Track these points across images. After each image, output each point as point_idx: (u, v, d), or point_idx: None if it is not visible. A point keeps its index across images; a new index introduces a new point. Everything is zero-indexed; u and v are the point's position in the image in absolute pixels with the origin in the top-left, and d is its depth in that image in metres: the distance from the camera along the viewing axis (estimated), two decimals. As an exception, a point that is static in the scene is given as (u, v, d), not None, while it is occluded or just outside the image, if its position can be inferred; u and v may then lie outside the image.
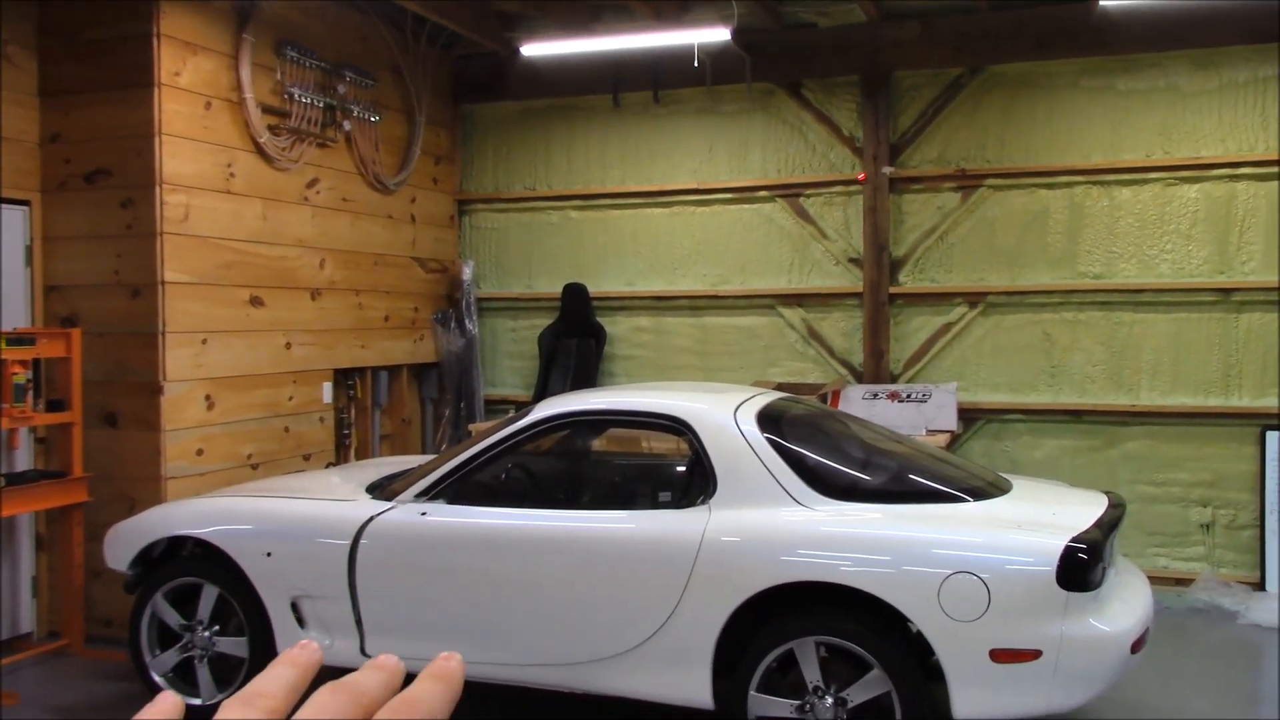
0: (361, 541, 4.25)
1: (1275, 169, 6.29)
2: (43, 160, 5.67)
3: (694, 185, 7.45)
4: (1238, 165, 6.35)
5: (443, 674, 0.58)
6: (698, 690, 3.85)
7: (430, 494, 4.30)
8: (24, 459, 5.53)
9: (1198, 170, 6.42)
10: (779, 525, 3.83)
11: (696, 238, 7.50)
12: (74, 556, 5.44)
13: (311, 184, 6.50)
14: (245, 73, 5.90)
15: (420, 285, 7.62)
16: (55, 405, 5.35)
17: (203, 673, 4.55)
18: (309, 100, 6.32)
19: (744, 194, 7.36)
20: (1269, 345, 6.32)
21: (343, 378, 6.86)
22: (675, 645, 3.86)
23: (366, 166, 6.96)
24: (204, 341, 5.69)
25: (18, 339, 5.15)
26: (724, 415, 4.14)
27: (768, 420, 4.18)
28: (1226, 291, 6.39)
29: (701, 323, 7.50)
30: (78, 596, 5.47)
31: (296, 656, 0.59)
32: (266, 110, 6.08)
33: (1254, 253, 6.35)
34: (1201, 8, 6.18)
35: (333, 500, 4.50)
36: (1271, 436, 6.28)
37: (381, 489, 4.57)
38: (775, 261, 7.31)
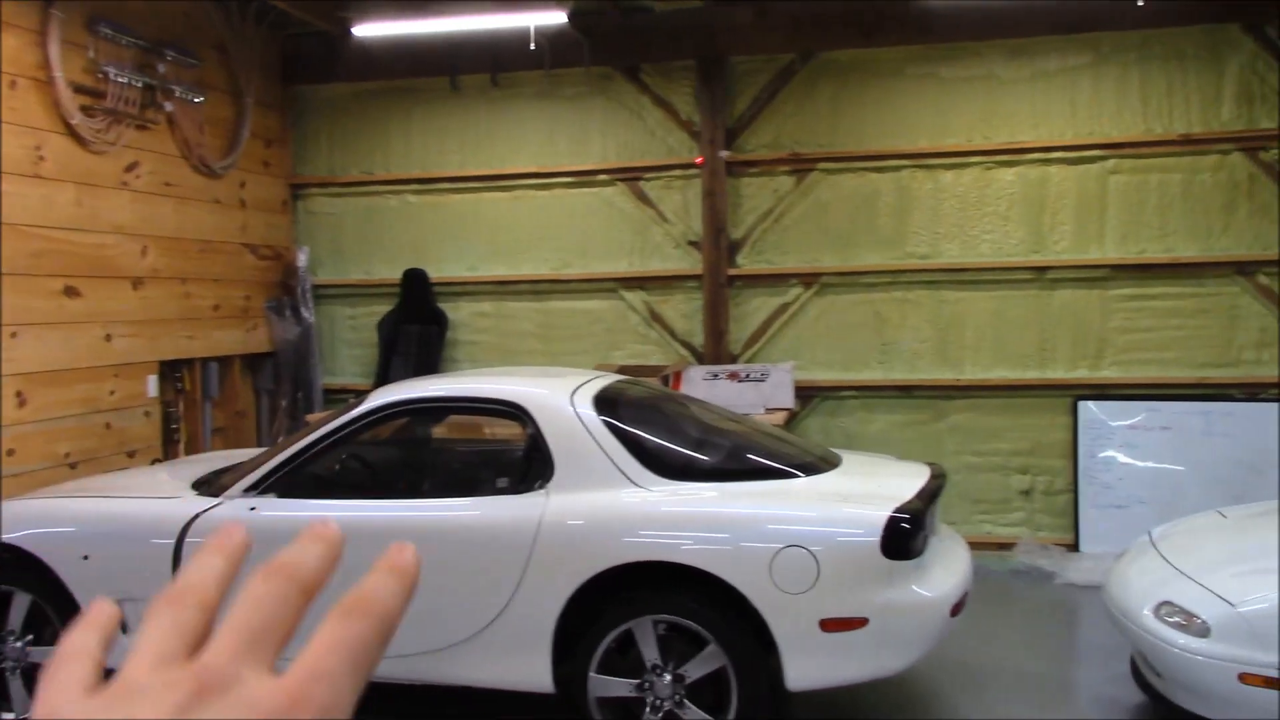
0: (187, 540, 4.09)
1: (1083, 154, 6.66)
2: None
3: (534, 169, 7.42)
4: (1050, 150, 6.70)
5: (398, 567, 0.53)
6: (538, 675, 3.86)
7: (260, 488, 4.17)
8: None
9: (1014, 155, 6.75)
10: (616, 507, 3.86)
11: (538, 222, 7.47)
12: None
13: (131, 168, 6.19)
14: (54, 50, 5.56)
15: (252, 272, 7.36)
16: None
17: (15, 686, 4.31)
18: (126, 80, 6.01)
19: (584, 178, 7.37)
20: (1079, 320, 6.71)
21: (170, 370, 6.58)
22: (515, 631, 3.86)
23: (191, 149, 6.67)
24: (13, 335, 5.36)
25: None
26: (560, 399, 4.15)
27: (604, 403, 4.21)
28: (1041, 270, 6.75)
29: (544, 307, 7.49)
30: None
31: (223, 544, 0.54)
32: (79, 90, 5.75)
33: (1065, 233, 6.72)
34: (1016, -1, 6.48)
35: (155, 498, 4.32)
36: (1082, 406, 6.67)
37: (209, 485, 4.41)
38: (616, 245, 7.35)
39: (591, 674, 3.83)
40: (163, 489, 4.47)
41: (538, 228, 7.47)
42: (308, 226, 7.84)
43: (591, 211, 7.39)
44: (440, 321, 7.49)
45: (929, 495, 4.00)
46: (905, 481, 4.10)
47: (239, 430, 7.22)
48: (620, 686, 3.83)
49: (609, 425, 4.07)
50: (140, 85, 6.13)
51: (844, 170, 7.01)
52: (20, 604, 4.29)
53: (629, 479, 3.93)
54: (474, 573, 3.91)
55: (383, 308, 7.62)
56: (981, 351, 6.84)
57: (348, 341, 7.80)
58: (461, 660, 3.95)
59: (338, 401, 7.46)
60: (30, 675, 4.30)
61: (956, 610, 3.86)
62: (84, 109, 5.78)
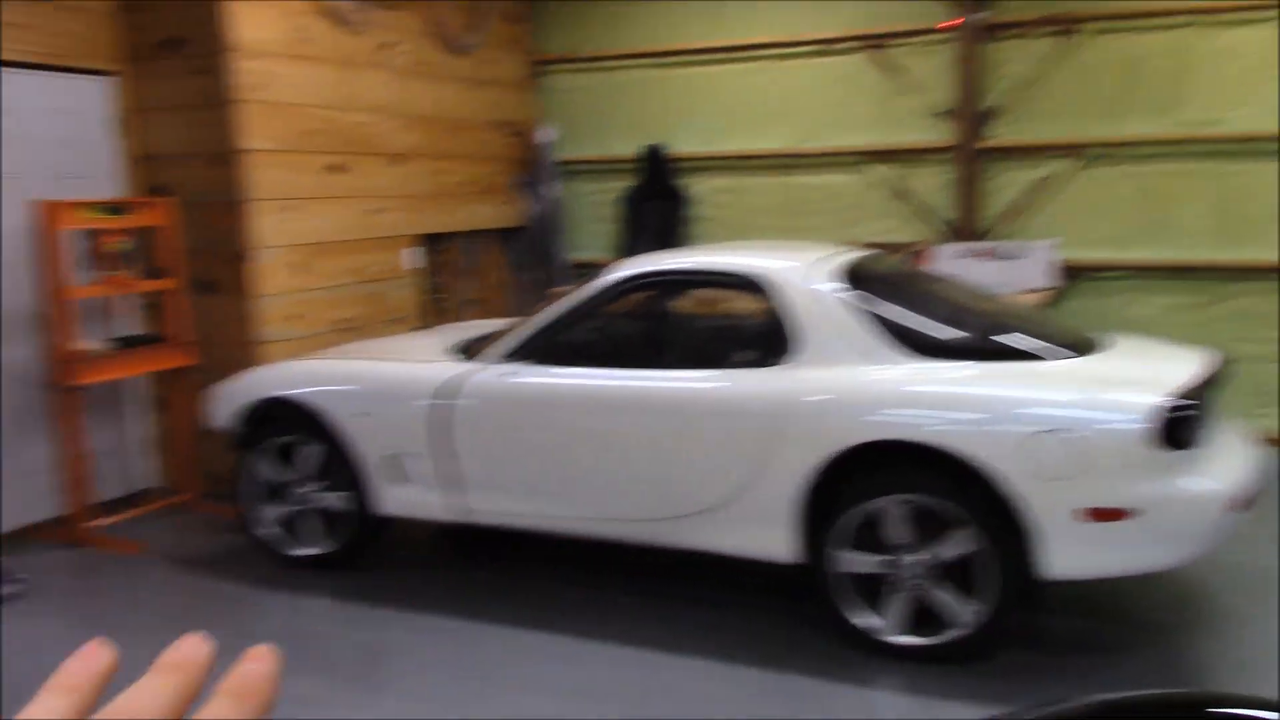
0: (453, 402, 4.34)
1: None
2: (124, 30, 5.69)
3: (774, 39, 7.19)
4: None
5: (246, 691, 0.46)
6: (778, 546, 3.90)
7: (517, 355, 4.35)
8: (129, 326, 5.72)
9: (1320, 6, 5.97)
10: (862, 383, 3.78)
11: (778, 94, 7.27)
12: (185, 417, 5.69)
13: (384, 47, 6.43)
14: (316, -68, 5.79)
15: (500, 149, 7.57)
16: (155, 273, 5.50)
17: (306, 526, 4.77)
18: (381, -41, 6.19)
19: (827, 46, 7.08)
20: (1390, 194, 5.97)
21: (428, 243, 6.91)
22: (757, 502, 3.90)
23: (439, 28, 6.85)
24: (289, 209, 5.75)
25: (112, 208, 5.27)
26: (805, 273, 4.07)
27: (850, 277, 4.11)
28: (1346, 138, 6.01)
29: (784, 182, 7.34)
30: (191, 455, 5.75)
31: (176, 662, 0.47)
32: (336, -30, 5.98)
33: (1379, 95, 5.93)
34: None
35: (424, 362, 4.58)
36: (1387, 291, 5.98)
37: (469, 351, 4.64)
38: (860, 116, 7.06)
39: (835, 549, 3.83)
40: (429, 354, 4.74)
41: (778, 100, 7.28)
42: (550, 103, 7.95)
43: (834, 82, 7.12)
44: (679, 197, 7.49)
45: (1206, 383, 3.71)
46: (1179, 367, 3.81)
47: (491, 301, 7.54)
48: (865, 563, 3.81)
49: (855, 299, 3.97)
50: (395, -36, 6.31)
51: (1113, 30, 6.41)
52: (307, 454, 4.71)
53: (876, 355, 3.84)
54: (716, 443, 3.96)
55: (623, 183, 7.69)
56: (1269, 230, 6.20)
57: (590, 217, 7.94)
58: (703, 527, 4.03)
59: (582, 275, 7.64)
60: (324, 517, 4.74)
61: (1239, 506, 3.59)
62: (345, -11, 6.01)
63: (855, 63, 7.04)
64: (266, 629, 4.32)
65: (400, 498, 4.56)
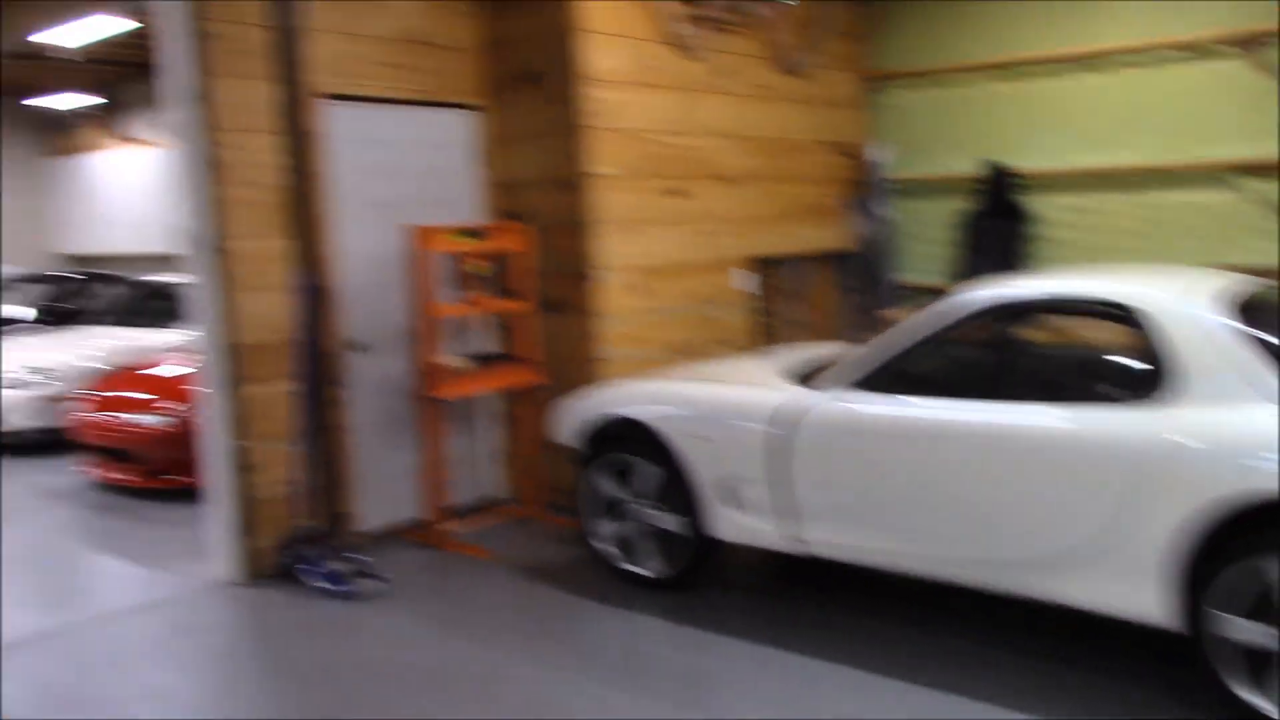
0: (793, 429, 4.28)
1: None
2: (487, 66, 6.11)
3: (1130, 44, 6.64)
4: None
5: None
6: (1148, 605, 3.53)
7: (861, 383, 4.23)
8: (484, 344, 6.12)
9: None
10: (1257, 427, 3.36)
11: (1135, 103, 6.71)
12: (531, 432, 6.01)
13: (721, 72, 6.51)
14: (660, -36, 5.96)
15: (832, 170, 7.47)
16: (509, 294, 5.86)
17: (641, 544, 4.87)
18: (724, -14, 6.29)
19: (1194, 49, 6.45)
20: None
21: (760, 266, 6.92)
22: (1123, 553, 3.55)
23: (774, 49, 6.86)
24: (630, 231, 5.95)
25: (473, 232, 5.67)
26: (1185, 301, 3.69)
27: (1239, 308, 3.68)
28: None
29: (1142, 200, 6.75)
30: (537, 468, 6.05)
31: None
32: (680, -1, 6.14)
33: None
34: None
35: (763, 388, 4.56)
36: None
37: (808, 377, 4.57)
38: (1235, 126, 6.37)
39: (1222, 613, 3.41)
40: (767, 379, 4.71)
41: (1135, 110, 6.72)
42: (881, 121, 7.76)
43: (1202, 88, 6.47)
44: (1022, 217, 7.08)
45: None
46: None
47: (822, 325, 7.44)
48: (1254, 632, 3.38)
49: (1245, 333, 3.54)
50: (733, -11, 6.39)
51: None
52: (642, 473, 4.80)
53: (1273, 395, 3.40)
54: (1075, 485, 3.65)
55: (959, 203, 7.37)
56: None
57: (923, 239, 7.66)
58: (1058, 577, 3.73)
59: (914, 299, 7.39)
60: (659, 536, 4.81)
61: None
62: (692, 19, 6.14)
63: (1228, 66, 6.37)
64: (599, 643, 4.44)
65: (733, 523, 4.56)
